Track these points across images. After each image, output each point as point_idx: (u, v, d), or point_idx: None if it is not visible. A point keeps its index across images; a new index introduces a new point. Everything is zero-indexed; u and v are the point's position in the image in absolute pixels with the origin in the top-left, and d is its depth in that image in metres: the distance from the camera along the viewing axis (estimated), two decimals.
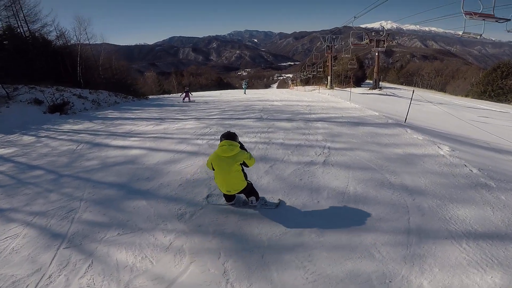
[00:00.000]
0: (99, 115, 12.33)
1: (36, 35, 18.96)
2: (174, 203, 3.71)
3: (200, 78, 62.57)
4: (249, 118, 9.01)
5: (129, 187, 4.33)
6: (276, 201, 3.54)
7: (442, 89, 55.99)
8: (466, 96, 43.11)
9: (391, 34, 30.16)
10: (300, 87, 35.84)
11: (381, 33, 28.52)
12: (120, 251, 2.81)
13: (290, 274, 2.40)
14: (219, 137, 5.97)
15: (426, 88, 59.11)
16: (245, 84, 25.40)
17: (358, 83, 44.20)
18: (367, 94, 24.69)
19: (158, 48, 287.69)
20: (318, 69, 36.32)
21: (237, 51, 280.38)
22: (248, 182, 3.25)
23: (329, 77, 30.18)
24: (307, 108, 11.20)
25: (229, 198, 3.37)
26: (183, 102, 16.81)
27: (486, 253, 2.50)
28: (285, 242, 2.81)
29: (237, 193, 3.26)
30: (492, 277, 2.22)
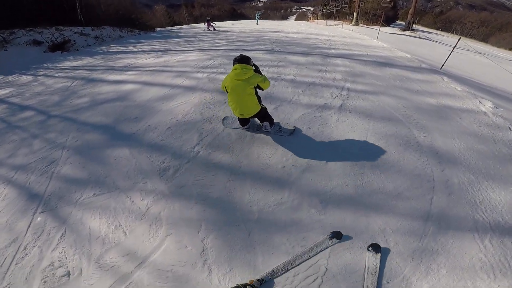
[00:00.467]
0: (101, 50, 11.47)
1: None
2: (159, 153, 3.24)
3: (212, 9, 56.55)
4: (259, 50, 7.85)
5: (114, 130, 3.87)
6: (291, 127, 3.38)
7: (484, 39, 49.39)
8: (511, 49, 38.10)
9: None
10: (321, 21, 31.66)
11: None
12: (94, 217, 2.48)
13: (277, 262, 1.99)
14: (221, 70, 5.39)
15: (466, 37, 52.32)
16: (258, 15, 23.37)
17: (387, 22, 39.01)
18: (398, 34, 21.58)
19: None
20: (343, 5, 31.67)
21: None
22: (262, 106, 3.06)
23: (355, 13, 26.23)
24: (327, 42, 9.66)
25: (243, 122, 3.27)
26: (208, 30, 16.59)
27: (507, 254, 2.02)
28: (278, 217, 2.33)
29: (251, 117, 3.09)
30: (499, 286, 1.84)
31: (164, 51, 9.11)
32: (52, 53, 12.34)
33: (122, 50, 10.68)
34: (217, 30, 16.34)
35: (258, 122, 3.29)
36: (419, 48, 13.88)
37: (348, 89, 4.65)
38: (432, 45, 18.30)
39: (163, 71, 6.34)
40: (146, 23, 22.62)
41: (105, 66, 7.77)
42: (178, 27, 26.77)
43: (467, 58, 13.36)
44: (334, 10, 35.65)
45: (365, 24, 29.21)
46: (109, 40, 15.25)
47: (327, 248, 2.02)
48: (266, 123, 3.21)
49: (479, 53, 16.98)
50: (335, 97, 4.35)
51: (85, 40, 14.47)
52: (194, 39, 11.98)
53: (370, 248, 2.00)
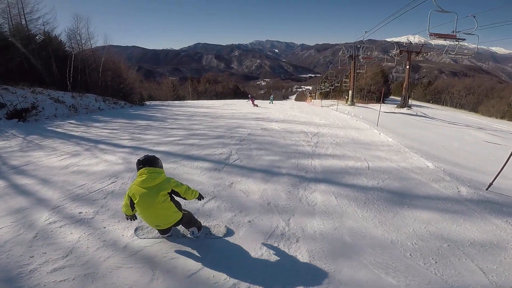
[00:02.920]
0: (50, 127, 9.81)
1: (32, 32, 16.70)
2: None
3: (216, 85, 58.98)
4: (206, 160, 5.20)
5: None
6: (221, 232, 2.70)
7: (474, 109, 49.00)
8: (502, 118, 36.86)
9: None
10: (317, 101, 31.23)
11: (411, 44, 23.90)
12: None
13: None
14: (91, 211, 3.34)
15: (456, 107, 52.06)
16: (271, 97, 27.61)
17: (382, 99, 39.48)
18: (395, 113, 20.06)
19: (183, 54, 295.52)
20: (336, 84, 31.99)
21: (258, 61, 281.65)
22: (183, 212, 2.48)
23: (350, 92, 25.45)
24: (314, 138, 7.22)
25: (163, 231, 2.54)
26: (254, 106, 17.91)
27: None
28: None
29: (172, 226, 2.49)
30: None
31: (96, 143, 6.95)
32: (7, 120, 10.49)
33: (65, 132, 8.82)
34: (258, 106, 17.21)
35: (183, 228, 2.63)
36: (426, 133, 11.63)
37: None
38: (434, 125, 16.33)
39: (27, 195, 3.71)
40: (132, 96, 21.32)
41: (5, 160, 5.66)
42: (172, 102, 26.34)
43: (476, 140, 10.87)
44: (330, 89, 36.11)
45: (361, 103, 28.52)
46: (83, 112, 14.04)
47: None
48: (194, 229, 2.59)
49: (479, 127, 14.85)
50: None
51: (56, 109, 12.92)
52: (156, 125, 9.94)
53: None
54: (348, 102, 24.77)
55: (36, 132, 8.67)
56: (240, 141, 6.68)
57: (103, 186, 3.92)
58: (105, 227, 2.83)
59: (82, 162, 5.20)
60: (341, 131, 8.39)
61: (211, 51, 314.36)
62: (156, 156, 2.45)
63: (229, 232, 2.72)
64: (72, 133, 8.55)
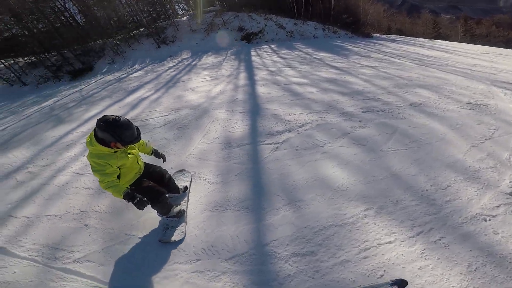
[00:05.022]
0: (253, 49, 10.85)
1: None
2: None
3: (510, 31, 36.58)
4: (211, 158, 3.17)
5: None
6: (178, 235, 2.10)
7: None
8: None
9: None
10: None
11: None
12: None
13: None
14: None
15: None
16: None
17: None
18: None
19: None
20: None
21: None
22: (127, 189, 1.82)
23: None
24: None
25: None
26: None
27: None
28: None
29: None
30: None
31: (233, 74, 6.93)
32: (240, 41, 13.29)
33: (250, 56, 9.24)
34: None
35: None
36: None
37: None
38: None
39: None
40: (370, 27, 18.88)
41: (173, 79, 6.85)
42: (416, 39, 19.90)
43: None
44: None
45: None
46: (297, 38, 14.48)
47: None
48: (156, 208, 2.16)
49: None
50: None
51: (276, 34, 14.48)
52: (316, 63, 7.51)
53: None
54: None
55: (236, 54, 9.64)
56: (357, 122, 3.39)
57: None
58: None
59: (220, 97, 4.95)
60: None
61: None
62: (115, 120, 1.62)
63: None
64: (245, 57, 8.57)
